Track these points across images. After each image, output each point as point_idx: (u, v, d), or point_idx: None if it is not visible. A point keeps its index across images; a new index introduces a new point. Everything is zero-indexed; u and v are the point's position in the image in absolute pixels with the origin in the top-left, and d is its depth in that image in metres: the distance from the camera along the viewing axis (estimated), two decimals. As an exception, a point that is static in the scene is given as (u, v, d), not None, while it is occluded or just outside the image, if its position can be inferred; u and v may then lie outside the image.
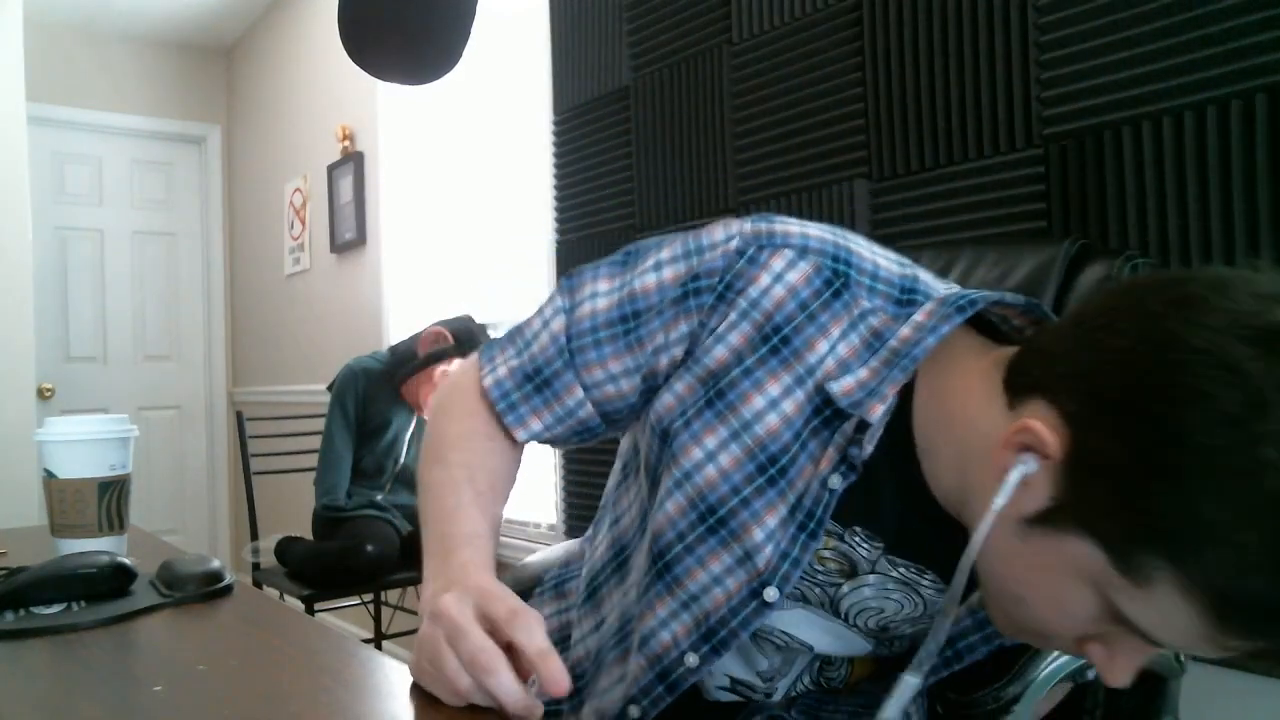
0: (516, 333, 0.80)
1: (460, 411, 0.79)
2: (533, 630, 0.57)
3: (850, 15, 1.61)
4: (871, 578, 0.71)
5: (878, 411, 0.64)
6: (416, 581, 2.66)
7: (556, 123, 2.33)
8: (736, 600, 0.70)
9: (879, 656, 0.81)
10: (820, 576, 0.72)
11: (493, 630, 0.58)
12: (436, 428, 0.79)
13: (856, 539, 0.70)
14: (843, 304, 0.69)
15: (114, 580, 0.90)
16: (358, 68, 2.35)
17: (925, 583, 0.71)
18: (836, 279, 0.69)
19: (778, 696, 0.80)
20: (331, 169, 3.60)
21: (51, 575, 0.87)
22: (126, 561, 0.92)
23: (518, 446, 0.79)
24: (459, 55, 2.24)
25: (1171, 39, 1.19)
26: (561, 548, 1.20)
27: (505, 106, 2.73)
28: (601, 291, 0.76)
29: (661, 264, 0.74)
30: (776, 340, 0.69)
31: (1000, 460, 0.57)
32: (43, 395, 3.99)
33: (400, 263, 3.28)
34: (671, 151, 1.98)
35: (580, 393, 0.75)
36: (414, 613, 2.84)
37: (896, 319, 0.68)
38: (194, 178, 4.63)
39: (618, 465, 0.88)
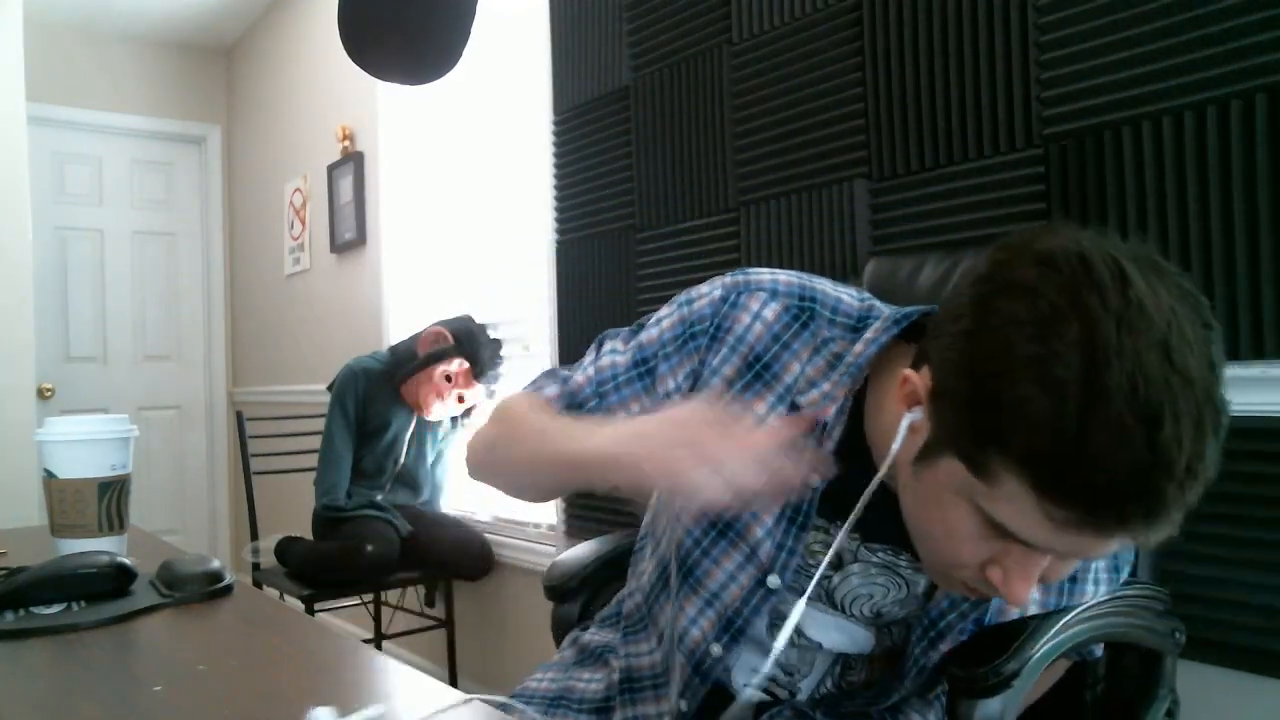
0: (555, 371, 0.93)
1: (506, 412, 0.90)
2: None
3: (850, 15, 1.61)
4: (855, 566, 0.82)
5: (830, 412, 0.78)
6: (416, 581, 2.66)
7: (556, 123, 2.33)
8: (747, 591, 0.83)
9: (892, 655, 0.88)
10: (814, 570, 0.81)
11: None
12: (488, 433, 0.90)
13: (840, 531, 0.79)
14: (810, 333, 0.82)
15: (114, 580, 0.90)
16: (358, 68, 2.35)
17: (902, 563, 0.82)
18: (803, 313, 0.83)
19: (803, 696, 0.89)
20: (331, 169, 3.60)
21: (51, 575, 0.87)
22: (126, 561, 0.92)
23: None
24: (459, 55, 2.24)
25: (1171, 39, 1.20)
26: (589, 547, 1.23)
27: (505, 106, 2.73)
28: (619, 350, 0.91)
29: (660, 319, 0.89)
30: (759, 367, 0.82)
31: (898, 416, 0.69)
32: (43, 395, 3.99)
33: (400, 263, 3.28)
34: (671, 151, 1.98)
35: None
36: (414, 612, 2.84)
37: (852, 342, 0.81)
38: (194, 178, 4.63)
39: (654, 499, 1.01)
